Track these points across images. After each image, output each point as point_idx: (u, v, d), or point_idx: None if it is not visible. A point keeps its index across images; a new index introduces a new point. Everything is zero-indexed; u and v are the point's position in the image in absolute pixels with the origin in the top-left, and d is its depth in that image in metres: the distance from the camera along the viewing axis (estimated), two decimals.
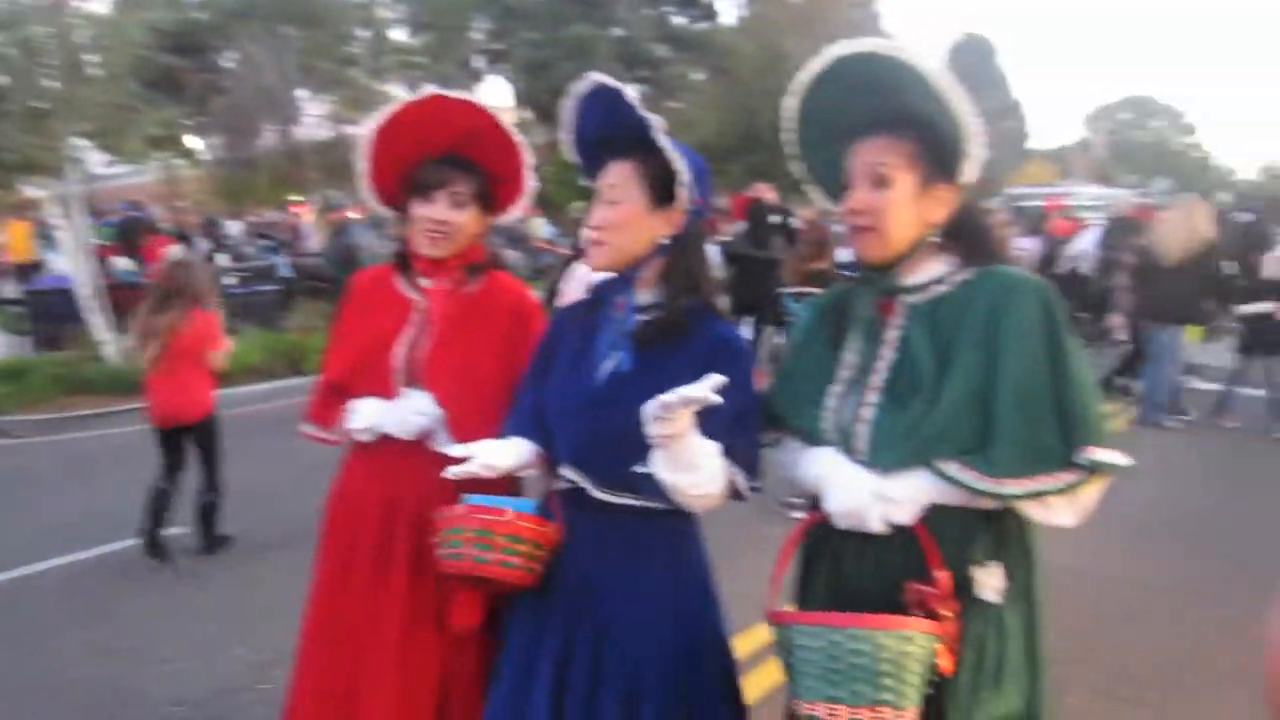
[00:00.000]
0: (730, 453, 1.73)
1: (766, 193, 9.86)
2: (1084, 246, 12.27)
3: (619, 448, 1.74)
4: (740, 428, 1.77)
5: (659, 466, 1.68)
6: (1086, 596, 4.16)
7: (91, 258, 10.10)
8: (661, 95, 26.38)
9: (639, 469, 1.72)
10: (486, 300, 2.30)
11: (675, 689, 1.81)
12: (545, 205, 25.56)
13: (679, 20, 29.68)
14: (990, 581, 1.57)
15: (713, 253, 15.09)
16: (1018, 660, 1.60)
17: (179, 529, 5.45)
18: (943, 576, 1.53)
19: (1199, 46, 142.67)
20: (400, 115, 2.20)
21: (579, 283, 6.75)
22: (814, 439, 1.71)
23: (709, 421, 1.65)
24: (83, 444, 7.87)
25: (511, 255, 8.52)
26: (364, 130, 2.27)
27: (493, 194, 2.28)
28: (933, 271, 1.68)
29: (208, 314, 4.94)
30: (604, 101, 1.85)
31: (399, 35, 28.13)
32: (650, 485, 1.72)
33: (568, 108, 1.93)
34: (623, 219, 1.84)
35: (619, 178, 1.86)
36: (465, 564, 1.74)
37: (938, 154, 1.62)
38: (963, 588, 1.55)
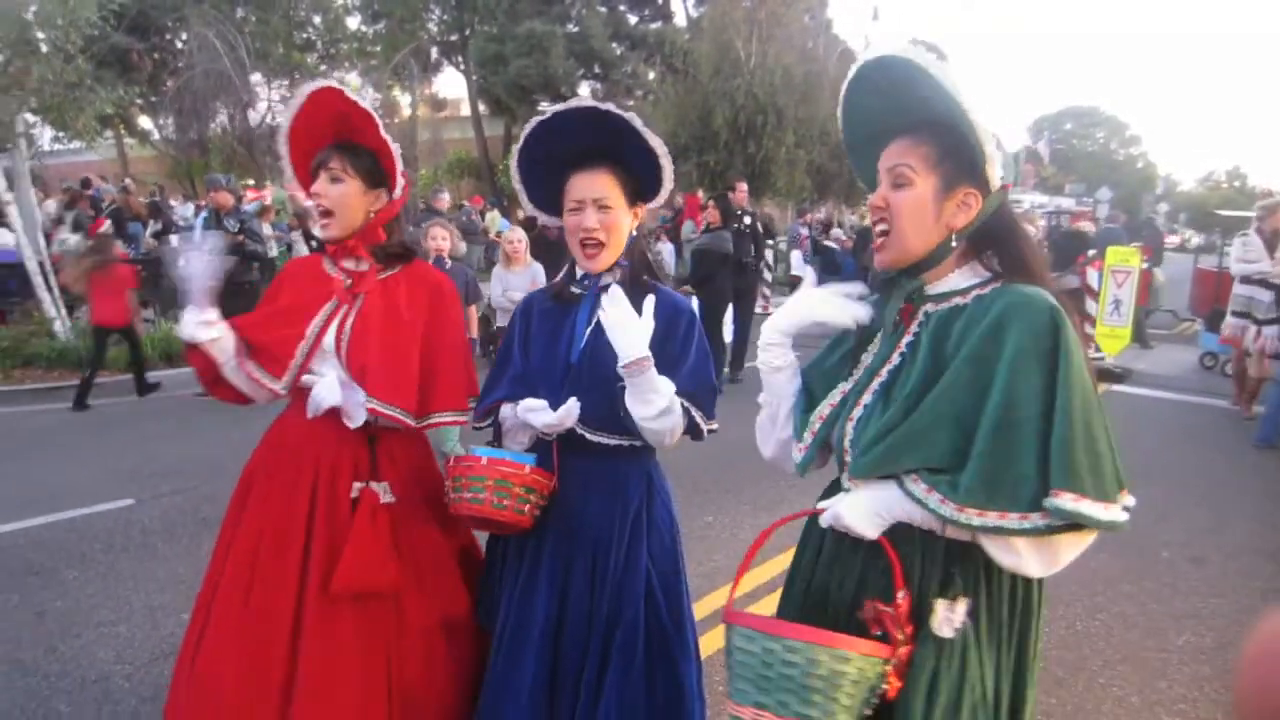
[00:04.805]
0: (686, 397, 2.07)
1: (740, 193, 10.11)
2: None
3: (604, 395, 2.07)
4: (693, 378, 2.10)
5: (630, 400, 2.02)
6: None
7: (39, 233, 10.03)
8: (616, 93, 26.45)
9: (621, 412, 2.05)
10: (408, 285, 2.42)
11: (653, 605, 2.13)
12: (503, 199, 25.39)
13: (633, 19, 29.74)
14: (947, 615, 1.49)
15: (667, 251, 14.92)
16: (983, 706, 1.52)
17: (129, 500, 5.55)
18: (904, 598, 1.50)
19: (1146, 64, 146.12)
20: (303, 109, 2.36)
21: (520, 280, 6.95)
22: (796, 432, 1.75)
23: (666, 372, 2.03)
24: (29, 418, 7.83)
25: (464, 248, 8.58)
26: (282, 125, 2.47)
27: (384, 170, 2.37)
28: (956, 282, 1.65)
29: None
30: (580, 119, 2.11)
31: (354, 23, 27.90)
32: (629, 422, 2.05)
33: (537, 131, 2.17)
34: (615, 223, 2.15)
35: (604, 188, 2.13)
36: (485, 509, 2.03)
37: (959, 158, 1.60)
38: (923, 613, 1.52)
